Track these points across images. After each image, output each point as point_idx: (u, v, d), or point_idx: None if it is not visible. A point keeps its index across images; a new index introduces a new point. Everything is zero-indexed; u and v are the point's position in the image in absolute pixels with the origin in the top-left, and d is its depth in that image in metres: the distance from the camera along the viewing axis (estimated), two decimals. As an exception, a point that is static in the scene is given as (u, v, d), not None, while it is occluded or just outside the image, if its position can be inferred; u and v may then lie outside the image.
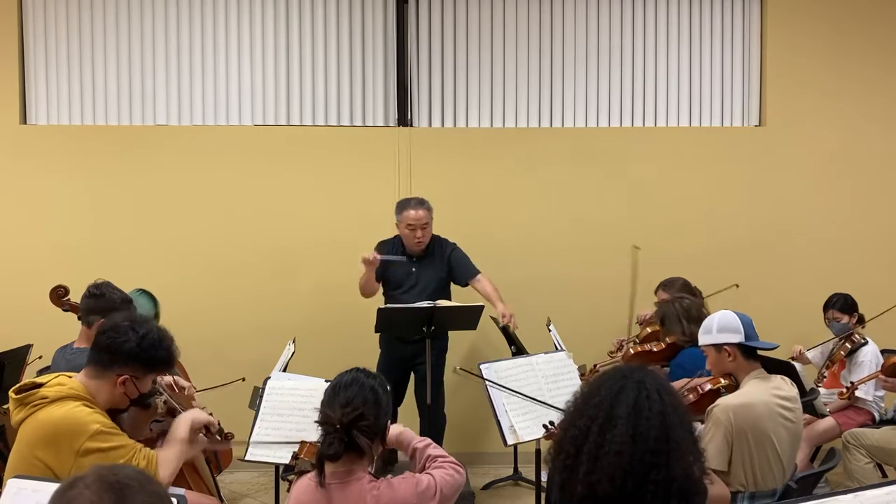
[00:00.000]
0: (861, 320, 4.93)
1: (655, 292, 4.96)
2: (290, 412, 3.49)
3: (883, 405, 4.80)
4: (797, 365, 4.73)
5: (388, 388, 2.54)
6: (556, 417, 3.54)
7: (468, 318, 4.74)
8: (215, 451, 3.84)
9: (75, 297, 4.01)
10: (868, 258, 5.74)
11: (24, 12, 5.63)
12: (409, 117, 5.79)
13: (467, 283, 5.00)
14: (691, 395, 3.37)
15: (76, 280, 4.12)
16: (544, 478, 3.61)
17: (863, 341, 4.82)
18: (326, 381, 2.80)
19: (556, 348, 4.43)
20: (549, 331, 4.76)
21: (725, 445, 2.96)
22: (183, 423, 2.83)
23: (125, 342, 2.69)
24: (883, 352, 4.79)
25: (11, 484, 2.27)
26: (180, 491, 2.50)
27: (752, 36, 5.90)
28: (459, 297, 5.13)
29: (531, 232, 5.66)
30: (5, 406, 2.83)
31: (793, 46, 5.77)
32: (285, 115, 5.76)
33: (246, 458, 3.59)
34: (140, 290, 4.52)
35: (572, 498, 1.93)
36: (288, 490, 2.76)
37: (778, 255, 5.74)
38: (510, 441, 3.72)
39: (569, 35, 5.83)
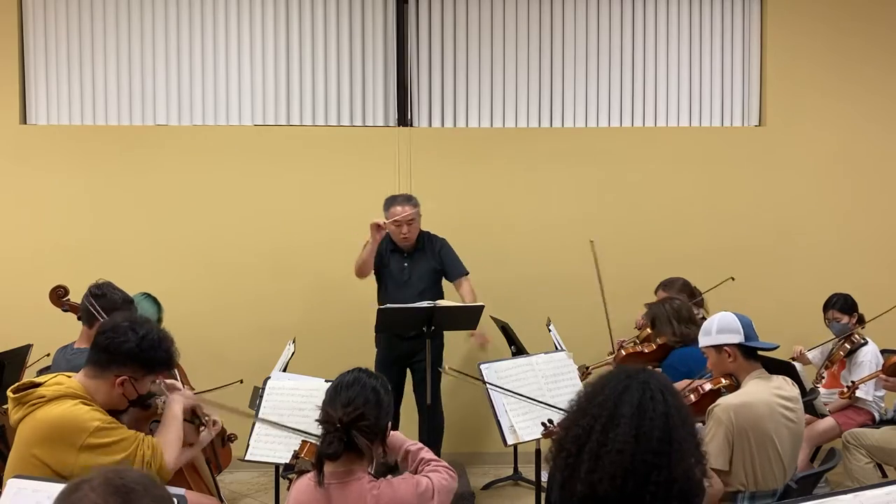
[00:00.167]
0: (861, 320, 4.92)
1: (655, 292, 4.97)
2: (290, 412, 3.49)
3: (883, 405, 4.80)
4: (797, 365, 4.73)
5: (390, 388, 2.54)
6: (556, 416, 3.55)
7: (468, 317, 4.74)
8: (215, 451, 3.84)
9: (75, 297, 4.01)
10: (868, 258, 5.74)
11: (24, 12, 5.63)
12: (409, 117, 5.79)
13: (454, 280, 5.02)
14: (692, 396, 3.38)
15: (76, 280, 4.12)
16: (544, 478, 3.61)
17: (862, 341, 4.82)
18: (326, 381, 2.81)
19: (556, 348, 4.43)
20: (549, 331, 4.76)
21: (726, 445, 2.96)
22: (174, 403, 2.83)
23: (124, 342, 2.68)
24: (883, 352, 4.79)
25: (11, 484, 2.26)
26: (180, 491, 2.49)
27: (752, 36, 5.91)
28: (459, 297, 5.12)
29: (531, 232, 5.66)
30: (5, 406, 2.83)
31: (793, 46, 5.78)
32: (285, 115, 5.76)
33: (246, 458, 3.59)
34: (144, 293, 4.53)
35: (572, 497, 1.93)
36: (288, 489, 2.76)
37: (778, 255, 5.75)
38: (510, 441, 3.72)
39: (569, 35, 5.83)
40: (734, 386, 3.24)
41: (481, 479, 5.31)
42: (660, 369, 4.13)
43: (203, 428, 2.96)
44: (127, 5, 5.65)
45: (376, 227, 4.79)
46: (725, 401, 3.04)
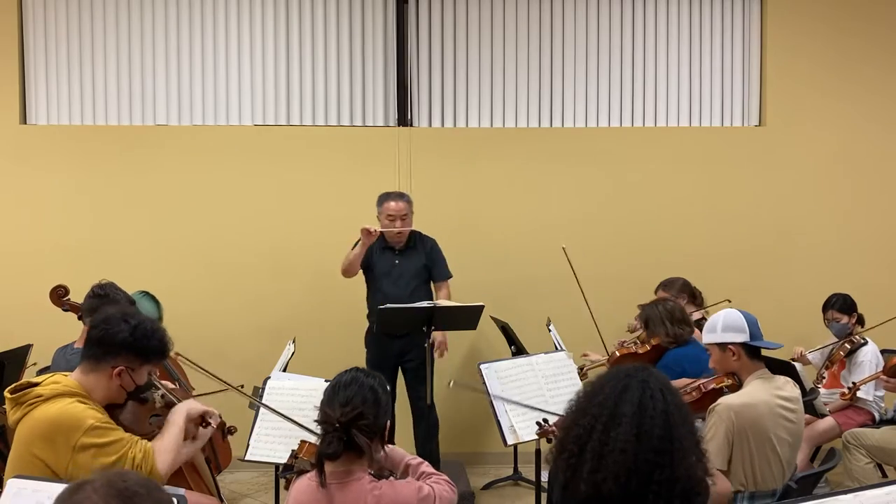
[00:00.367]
0: (861, 320, 4.92)
1: (655, 292, 4.96)
2: (290, 412, 3.48)
3: (883, 405, 4.80)
4: (797, 365, 4.73)
5: (388, 388, 2.54)
6: (551, 416, 3.56)
7: (468, 317, 4.74)
8: (215, 450, 3.84)
9: (75, 297, 4.01)
10: (868, 258, 5.74)
11: (24, 12, 5.63)
12: (409, 117, 5.79)
13: (439, 281, 5.04)
14: (694, 394, 3.38)
15: (76, 280, 4.12)
16: (544, 478, 3.62)
17: (862, 341, 4.82)
18: (326, 380, 2.80)
19: (556, 348, 4.43)
20: (549, 331, 4.76)
21: (726, 444, 2.95)
22: (178, 412, 2.81)
23: (118, 333, 2.68)
24: (883, 352, 4.79)
25: (11, 484, 2.26)
26: (180, 491, 2.48)
27: (752, 36, 5.90)
28: (459, 297, 5.11)
29: (531, 232, 5.66)
30: (4, 406, 2.83)
31: (793, 46, 5.77)
32: (285, 115, 5.76)
33: (246, 457, 3.59)
34: (143, 292, 4.52)
35: (575, 497, 1.92)
36: (285, 489, 2.75)
37: (778, 256, 5.74)
38: (510, 441, 3.72)
39: (569, 35, 5.83)
40: (736, 385, 3.23)
41: (481, 479, 5.31)
42: (655, 370, 4.14)
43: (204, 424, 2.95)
44: (127, 5, 5.65)
45: (367, 233, 4.80)
46: (726, 400, 3.04)
